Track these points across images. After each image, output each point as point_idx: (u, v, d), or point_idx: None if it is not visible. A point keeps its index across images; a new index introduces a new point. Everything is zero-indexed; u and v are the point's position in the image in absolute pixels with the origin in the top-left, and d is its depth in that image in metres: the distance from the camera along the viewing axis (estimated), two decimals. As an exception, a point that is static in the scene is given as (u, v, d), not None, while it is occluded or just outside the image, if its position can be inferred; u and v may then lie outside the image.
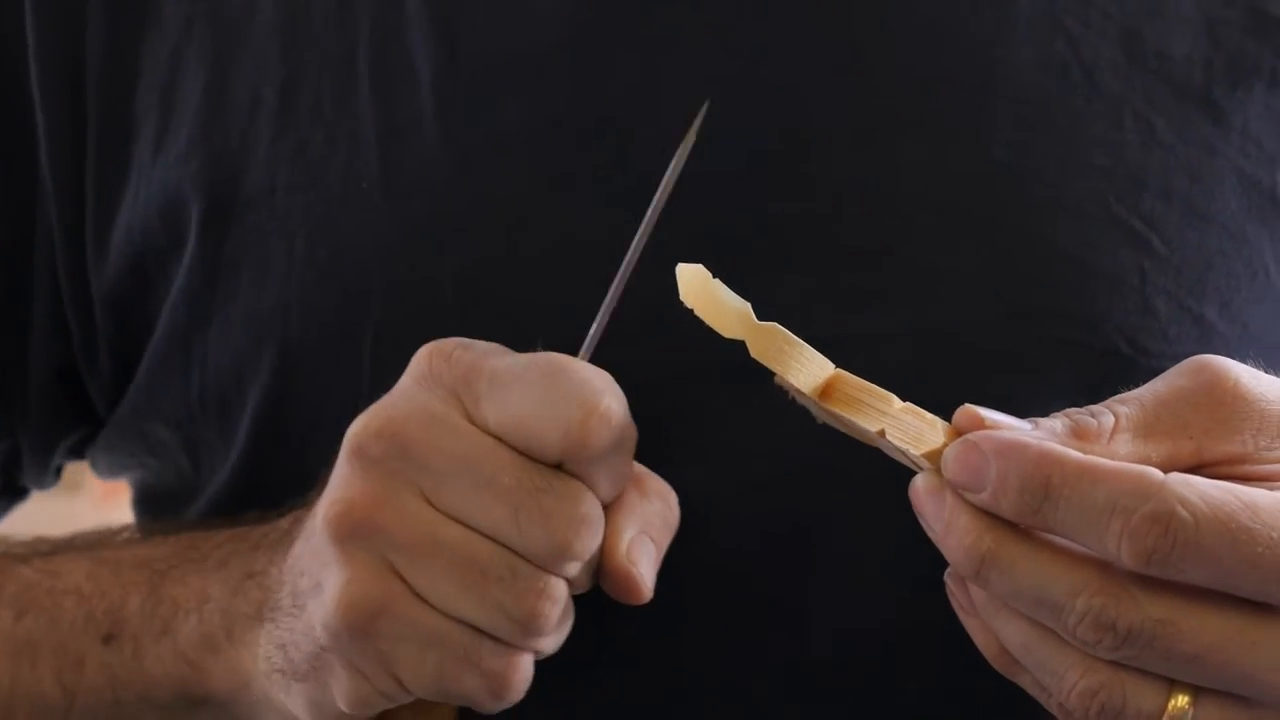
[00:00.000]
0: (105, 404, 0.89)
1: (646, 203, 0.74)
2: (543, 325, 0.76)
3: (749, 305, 0.69)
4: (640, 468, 0.74)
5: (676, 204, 0.76)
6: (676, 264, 0.69)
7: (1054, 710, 0.68)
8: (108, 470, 0.92)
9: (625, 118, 0.78)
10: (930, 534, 0.68)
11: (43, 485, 0.95)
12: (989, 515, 0.66)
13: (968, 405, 0.68)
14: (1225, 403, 0.68)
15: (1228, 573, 0.64)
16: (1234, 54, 0.81)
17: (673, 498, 0.74)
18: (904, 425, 0.68)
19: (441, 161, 0.79)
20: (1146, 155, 0.79)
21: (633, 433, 0.70)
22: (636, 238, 0.71)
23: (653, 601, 0.72)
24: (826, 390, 0.69)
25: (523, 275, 0.78)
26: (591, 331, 0.72)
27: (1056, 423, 0.68)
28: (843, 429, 0.70)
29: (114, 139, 0.84)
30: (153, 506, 0.91)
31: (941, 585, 0.70)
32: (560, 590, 0.70)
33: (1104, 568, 0.65)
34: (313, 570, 0.73)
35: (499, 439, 0.69)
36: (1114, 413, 0.68)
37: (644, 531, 0.72)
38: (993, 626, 0.68)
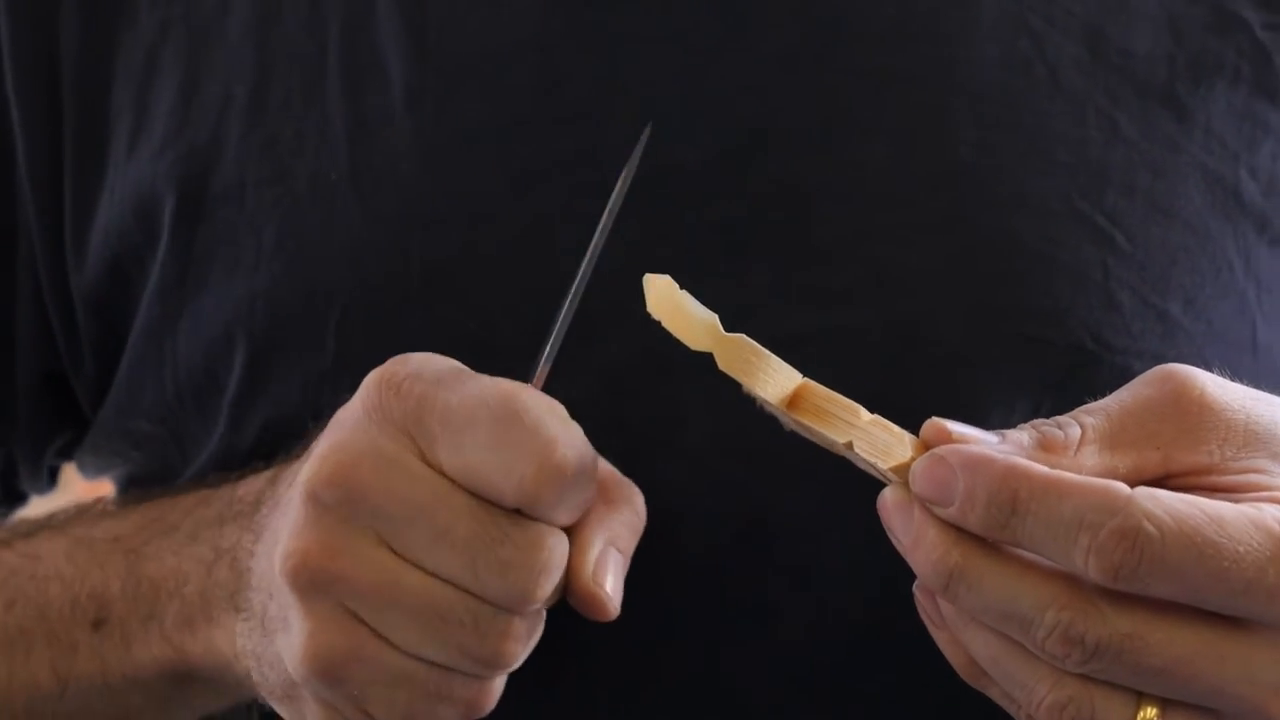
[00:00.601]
0: (92, 405, 0.89)
1: (608, 196, 0.75)
2: (509, 319, 0.77)
3: (716, 317, 0.69)
4: (605, 470, 0.73)
5: (640, 202, 0.77)
6: (645, 273, 0.68)
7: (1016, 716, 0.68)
8: (94, 470, 0.93)
9: (591, 115, 0.79)
10: (898, 547, 0.68)
11: (39, 490, 0.95)
12: (956, 530, 0.66)
13: (935, 419, 0.68)
14: (1191, 412, 0.68)
15: (1194, 587, 0.64)
16: (1196, 51, 0.82)
17: (639, 499, 0.74)
18: (871, 438, 0.68)
19: (410, 157, 0.80)
20: (1109, 152, 0.80)
21: (592, 467, 0.69)
22: (585, 260, 0.71)
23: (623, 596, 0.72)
24: (794, 401, 0.69)
25: (489, 269, 0.78)
26: (543, 354, 0.71)
27: (1024, 435, 0.68)
28: (811, 438, 0.70)
29: (90, 139, 0.84)
30: (141, 489, 0.91)
31: (909, 581, 0.70)
32: (524, 629, 0.70)
33: (1071, 582, 0.65)
34: (280, 603, 0.72)
35: (455, 481, 0.68)
36: (1080, 424, 0.68)
37: (611, 544, 0.72)
38: (961, 639, 0.68)
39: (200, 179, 0.82)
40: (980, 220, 0.78)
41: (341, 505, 0.69)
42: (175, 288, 0.83)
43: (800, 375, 0.69)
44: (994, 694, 0.69)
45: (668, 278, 0.69)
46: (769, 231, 0.78)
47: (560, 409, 0.69)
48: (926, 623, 0.70)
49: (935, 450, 0.66)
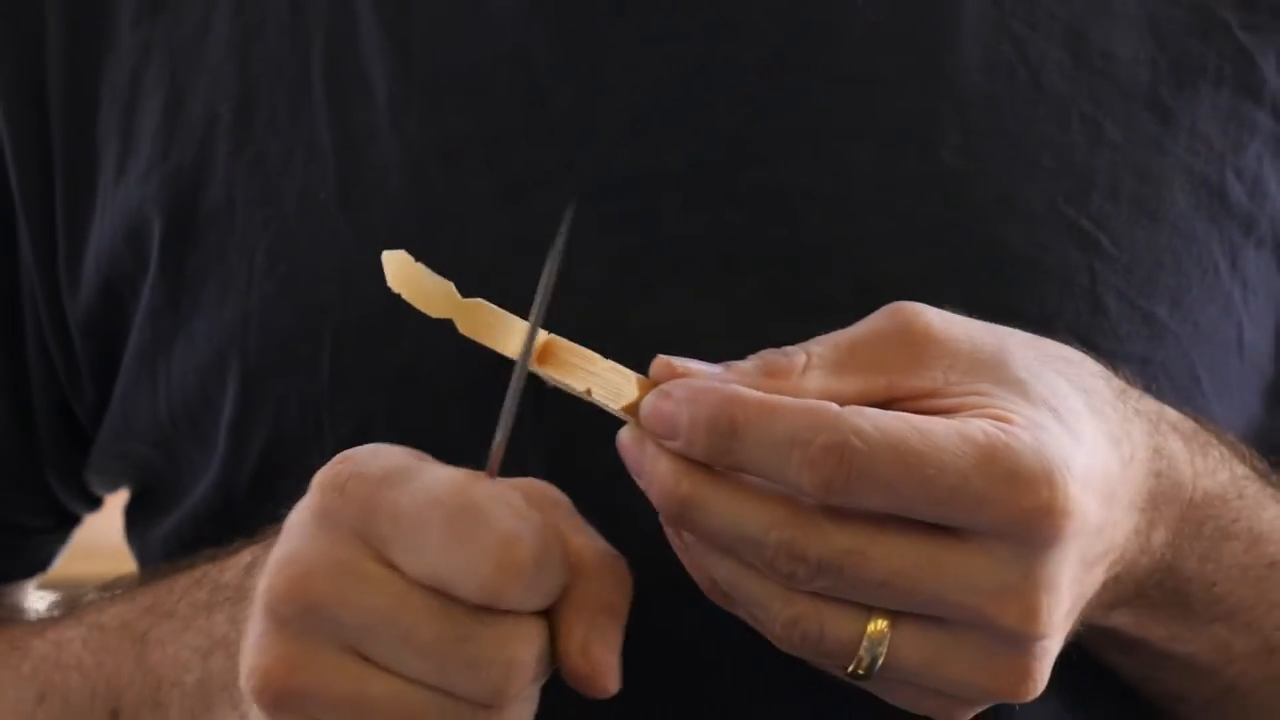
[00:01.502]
0: (93, 428, 0.89)
1: (594, 207, 0.75)
2: None
3: (451, 284, 0.71)
4: (580, 537, 0.70)
5: (625, 213, 0.77)
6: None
7: (771, 638, 0.69)
8: (103, 489, 0.93)
9: (575, 125, 0.79)
10: (639, 483, 0.69)
11: (88, 509, 0.95)
12: (686, 460, 0.67)
13: (661, 355, 0.69)
14: (918, 341, 0.69)
15: (904, 497, 0.65)
16: (1179, 54, 0.82)
17: (621, 565, 0.69)
18: (606, 382, 0.70)
19: (397, 171, 0.79)
20: (1094, 156, 0.80)
21: (556, 554, 0.66)
22: (525, 340, 0.69)
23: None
24: (543, 355, 0.71)
25: (480, 282, 0.78)
26: (496, 440, 0.68)
27: (748, 364, 0.70)
28: (563, 389, 0.71)
29: (79, 166, 0.84)
30: (143, 512, 0.91)
31: None
32: (507, 719, 0.67)
33: (794, 503, 0.66)
34: (255, 714, 0.70)
35: (414, 582, 0.66)
36: (806, 351, 0.70)
37: (598, 618, 0.68)
38: (704, 565, 0.69)
39: (188, 200, 0.82)
40: (965, 226, 0.78)
41: (299, 618, 0.66)
42: (167, 311, 0.83)
43: (547, 334, 0.71)
44: (742, 614, 0.70)
45: (403, 252, 0.71)
46: (755, 240, 0.78)
47: (516, 498, 0.66)
48: (677, 551, 0.71)
49: (661, 386, 0.68)
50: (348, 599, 0.66)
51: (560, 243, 0.69)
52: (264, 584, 0.67)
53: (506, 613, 0.66)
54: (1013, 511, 0.65)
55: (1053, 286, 0.78)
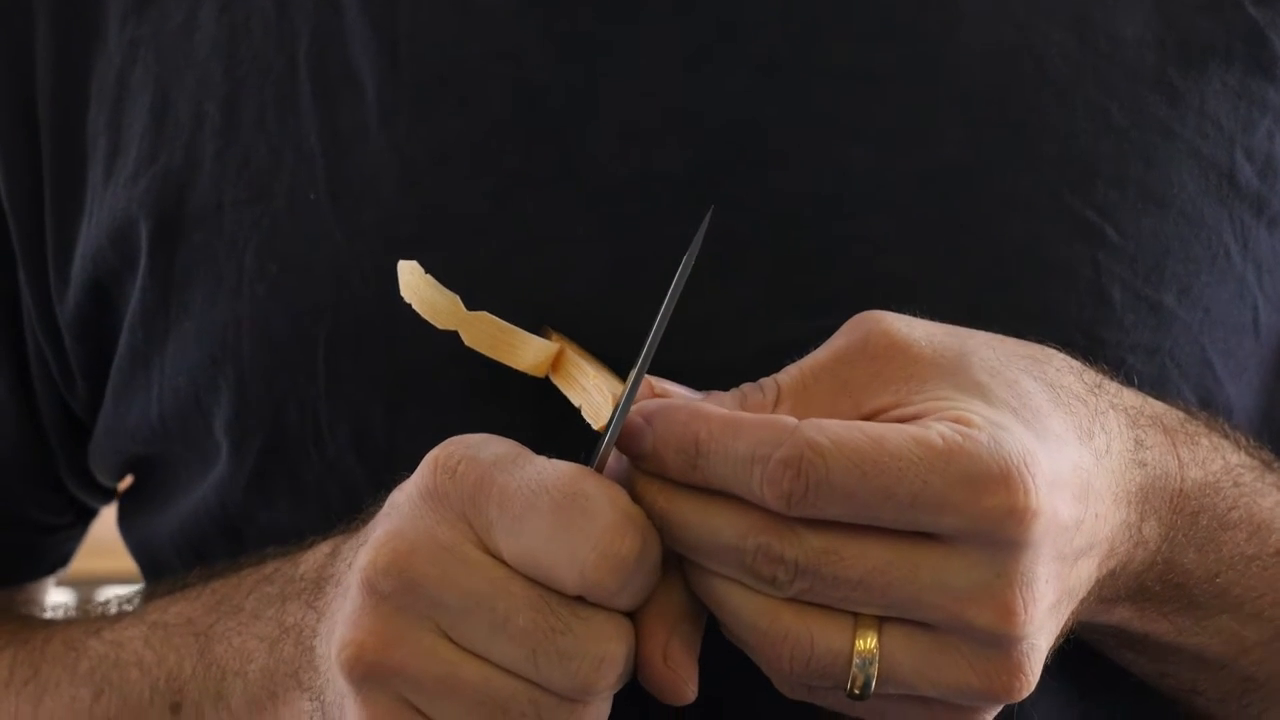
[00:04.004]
0: (90, 424, 0.89)
1: (589, 209, 0.74)
2: None
3: (458, 298, 0.71)
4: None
5: (624, 215, 0.76)
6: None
7: (769, 674, 0.69)
8: (107, 478, 0.93)
9: (568, 125, 0.77)
10: None
11: (103, 501, 0.96)
12: (661, 478, 0.68)
13: (646, 376, 0.69)
14: (879, 355, 0.69)
15: (866, 505, 0.65)
16: (1187, 32, 0.80)
17: None
18: (591, 401, 0.70)
19: (387, 170, 0.78)
20: (1099, 143, 0.78)
21: (656, 552, 0.67)
22: (651, 335, 0.69)
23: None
24: (555, 366, 0.72)
25: (473, 283, 0.77)
26: (605, 438, 0.69)
27: (728, 396, 0.70)
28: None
29: (68, 169, 0.84)
30: (136, 504, 0.91)
31: None
32: (588, 717, 0.68)
33: (766, 511, 0.66)
34: (336, 691, 0.71)
35: (513, 569, 0.67)
36: (776, 382, 0.70)
37: (681, 624, 0.69)
38: (700, 594, 0.69)
39: (176, 201, 0.81)
40: (968, 221, 0.77)
41: (398, 595, 0.67)
42: (158, 312, 0.82)
43: (555, 345, 0.72)
44: (746, 650, 0.70)
45: (414, 263, 0.72)
46: (755, 239, 0.77)
47: (623, 495, 0.67)
48: None
49: (635, 406, 0.69)
50: (448, 579, 0.67)
51: (692, 254, 0.69)
52: (364, 559, 0.68)
53: (600, 609, 0.67)
54: (975, 513, 0.65)
55: (1055, 281, 0.77)
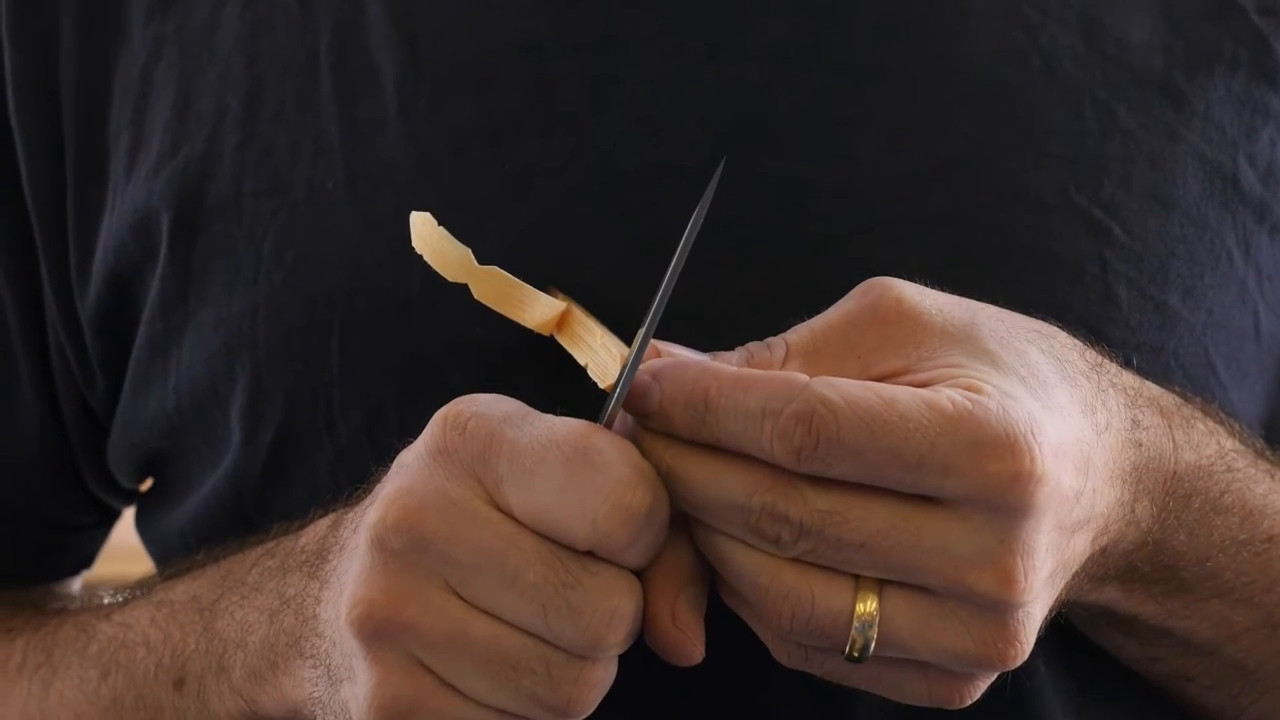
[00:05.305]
0: (107, 421, 0.89)
1: (603, 198, 0.75)
2: (511, 323, 0.76)
3: (470, 251, 0.72)
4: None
5: (633, 203, 0.77)
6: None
7: (766, 640, 0.70)
8: (126, 479, 0.93)
9: (583, 115, 0.79)
10: None
11: (125, 502, 0.96)
12: (668, 436, 0.68)
13: (651, 340, 0.70)
14: (890, 320, 0.69)
15: (872, 464, 0.65)
16: (1193, 38, 0.81)
17: None
18: (598, 360, 0.71)
19: (404, 162, 0.79)
20: (1106, 143, 0.79)
21: (665, 508, 0.68)
22: (657, 300, 0.70)
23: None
24: (560, 325, 0.72)
25: None
26: (614, 395, 0.69)
27: (734, 355, 0.71)
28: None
29: (91, 162, 0.85)
30: (152, 503, 0.92)
31: None
32: (598, 675, 0.68)
33: (773, 469, 0.67)
34: (345, 652, 0.71)
35: (523, 524, 0.67)
36: (785, 341, 0.70)
37: (688, 585, 0.70)
38: (704, 551, 0.69)
39: (196, 192, 0.82)
40: (975, 216, 0.78)
41: (408, 551, 0.67)
42: (176, 303, 0.83)
43: (562, 304, 0.72)
44: (744, 614, 0.70)
45: (427, 214, 0.72)
46: (763, 230, 0.77)
47: (633, 450, 0.67)
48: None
49: (642, 365, 0.69)
50: (458, 536, 0.67)
51: (704, 205, 0.69)
52: (373, 516, 0.68)
53: (610, 565, 0.67)
54: (980, 478, 0.65)
55: (1063, 276, 0.78)
